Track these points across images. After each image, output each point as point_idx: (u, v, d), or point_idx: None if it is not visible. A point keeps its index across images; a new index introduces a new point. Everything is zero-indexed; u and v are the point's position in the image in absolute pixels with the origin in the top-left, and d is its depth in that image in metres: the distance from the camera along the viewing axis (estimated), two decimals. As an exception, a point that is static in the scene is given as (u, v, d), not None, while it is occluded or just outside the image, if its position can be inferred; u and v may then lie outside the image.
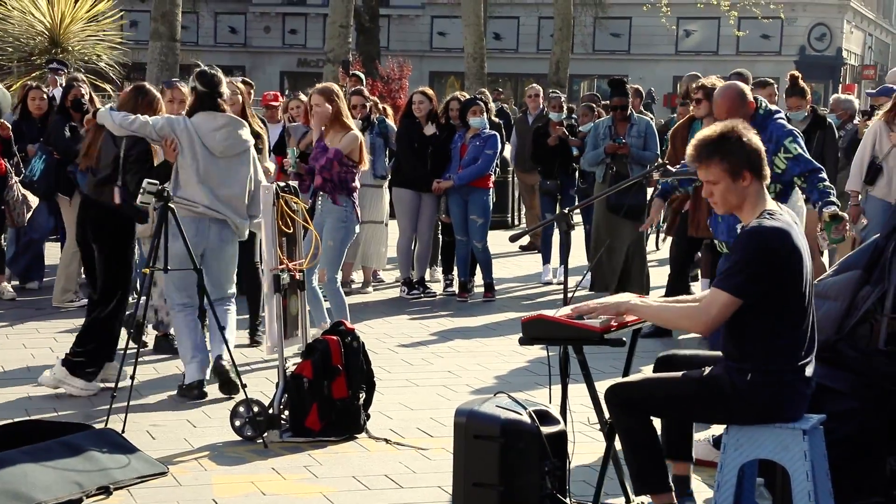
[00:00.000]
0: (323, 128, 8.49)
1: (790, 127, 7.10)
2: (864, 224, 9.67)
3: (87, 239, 7.73)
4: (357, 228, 8.67)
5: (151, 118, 7.44)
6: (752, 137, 4.77)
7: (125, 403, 6.65)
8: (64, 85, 11.94)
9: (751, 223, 4.71)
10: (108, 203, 7.53)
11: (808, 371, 4.74)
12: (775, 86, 11.46)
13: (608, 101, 12.16)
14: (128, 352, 6.88)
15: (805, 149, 7.00)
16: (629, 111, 11.38)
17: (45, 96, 11.20)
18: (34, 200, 10.32)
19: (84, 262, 8.17)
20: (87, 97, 10.55)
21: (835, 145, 10.11)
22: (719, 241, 6.69)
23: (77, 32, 17.89)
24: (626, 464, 4.96)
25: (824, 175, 6.93)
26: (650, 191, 11.18)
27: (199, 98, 7.54)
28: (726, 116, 6.29)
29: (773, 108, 7.14)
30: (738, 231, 5.84)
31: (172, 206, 6.96)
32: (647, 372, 5.24)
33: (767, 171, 4.82)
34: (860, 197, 9.71)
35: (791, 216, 4.80)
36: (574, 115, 13.99)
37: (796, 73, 10.51)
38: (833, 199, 6.76)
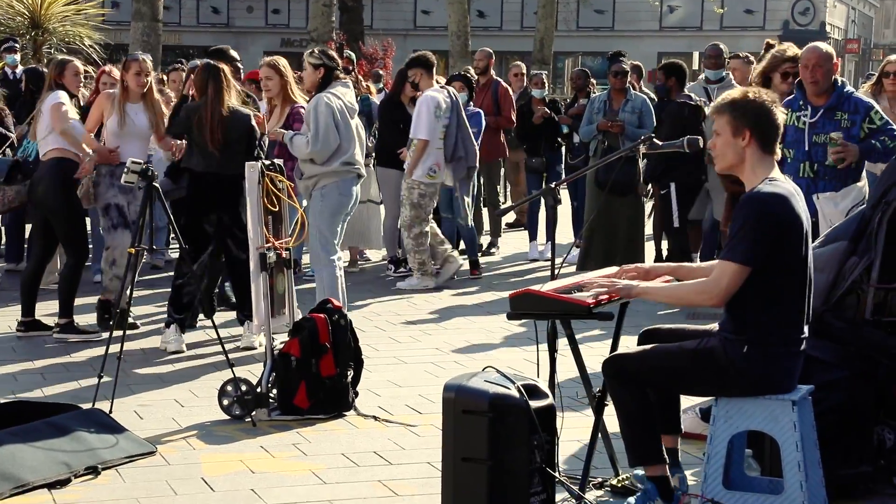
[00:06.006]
0: (270, 103, 8.65)
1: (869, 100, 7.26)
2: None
3: (211, 211, 8.17)
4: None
5: (322, 122, 8.03)
6: (772, 109, 4.75)
7: (112, 383, 6.63)
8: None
9: (750, 189, 4.72)
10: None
11: (803, 345, 4.75)
12: (753, 63, 11.36)
13: (594, 79, 12.14)
14: (114, 332, 6.84)
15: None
16: (627, 84, 11.34)
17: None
18: (10, 190, 9.09)
19: (190, 234, 8.10)
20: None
21: None
22: None
23: (58, 14, 17.76)
24: (621, 435, 4.97)
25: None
26: (642, 166, 11.11)
27: (329, 72, 8.20)
28: (815, 63, 6.88)
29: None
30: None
31: (157, 185, 6.96)
32: (633, 345, 5.24)
33: (777, 149, 4.81)
34: None
35: (794, 186, 4.80)
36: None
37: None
38: (870, 143, 6.90)
